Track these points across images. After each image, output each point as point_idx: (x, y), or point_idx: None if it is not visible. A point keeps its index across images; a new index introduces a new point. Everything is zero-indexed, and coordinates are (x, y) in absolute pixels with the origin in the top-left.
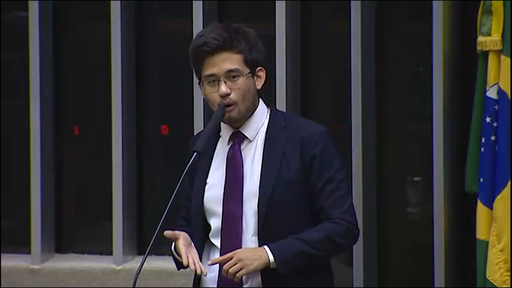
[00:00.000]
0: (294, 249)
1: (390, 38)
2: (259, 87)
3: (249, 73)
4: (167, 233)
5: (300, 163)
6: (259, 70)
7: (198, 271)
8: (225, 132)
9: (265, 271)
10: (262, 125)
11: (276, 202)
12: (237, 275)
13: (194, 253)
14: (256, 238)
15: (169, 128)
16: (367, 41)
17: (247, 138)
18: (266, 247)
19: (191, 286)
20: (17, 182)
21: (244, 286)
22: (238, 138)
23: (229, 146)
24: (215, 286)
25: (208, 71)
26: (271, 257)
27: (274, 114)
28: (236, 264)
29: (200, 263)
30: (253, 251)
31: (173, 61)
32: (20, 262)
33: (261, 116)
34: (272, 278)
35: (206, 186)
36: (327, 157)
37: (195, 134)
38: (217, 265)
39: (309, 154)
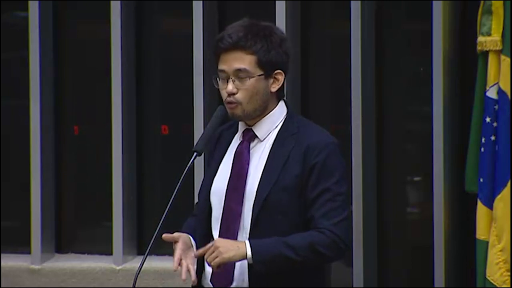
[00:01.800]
0: (273, 250)
1: (390, 38)
2: (273, 89)
3: (261, 74)
4: (165, 236)
5: (300, 170)
6: (277, 73)
7: (183, 277)
8: (240, 127)
9: (253, 271)
10: (276, 127)
11: (270, 205)
12: (212, 263)
13: (190, 258)
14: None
15: (169, 128)
16: (367, 41)
17: (258, 137)
18: (246, 241)
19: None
20: (17, 182)
21: (232, 286)
22: (248, 136)
23: (239, 142)
24: (209, 283)
25: (220, 66)
26: (249, 252)
27: (289, 118)
28: (213, 252)
29: (193, 269)
30: (232, 242)
31: (173, 61)
32: (20, 262)
33: (277, 118)
34: (261, 278)
35: (215, 177)
36: (328, 167)
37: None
38: None
39: (310, 162)
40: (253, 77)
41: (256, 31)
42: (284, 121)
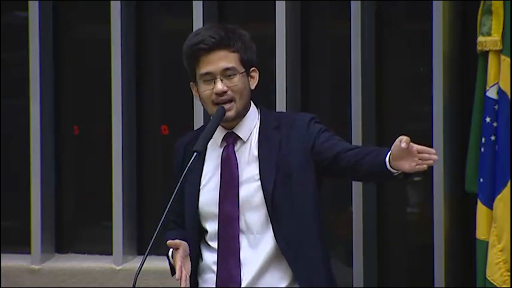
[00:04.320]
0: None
1: (390, 38)
2: (253, 87)
3: (244, 72)
4: (170, 242)
5: (301, 150)
6: (252, 70)
7: (183, 285)
8: (217, 134)
9: (292, 259)
10: (255, 125)
11: (280, 194)
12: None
13: (187, 266)
14: (260, 235)
15: (169, 128)
16: (367, 41)
17: (241, 138)
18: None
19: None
20: (17, 182)
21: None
22: (231, 139)
23: (222, 148)
24: (214, 286)
25: (204, 69)
26: None
27: (264, 114)
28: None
29: (187, 280)
30: None
31: (173, 61)
32: (20, 262)
33: (254, 117)
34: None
35: (201, 191)
36: (324, 130)
37: (180, 139)
38: (215, 267)
39: (310, 136)
40: (240, 73)
41: (231, 31)
42: (261, 117)
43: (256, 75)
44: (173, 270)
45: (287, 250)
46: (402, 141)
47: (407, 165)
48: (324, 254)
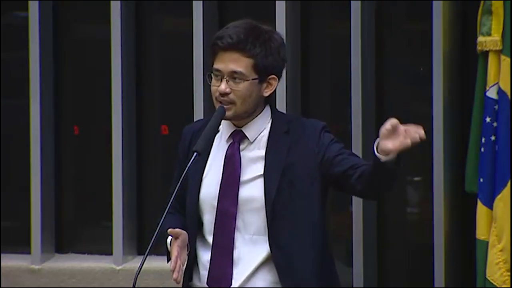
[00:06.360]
0: None
1: (390, 38)
2: (266, 94)
3: (255, 79)
4: (171, 230)
5: (309, 161)
6: (271, 78)
7: (174, 276)
8: (226, 129)
9: (282, 269)
10: (265, 128)
11: (282, 202)
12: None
13: (183, 256)
14: (258, 237)
15: (169, 128)
16: (367, 41)
17: (247, 138)
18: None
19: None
20: (17, 182)
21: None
22: (238, 137)
23: (228, 144)
24: (205, 285)
25: (216, 65)
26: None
27: (276, 118)
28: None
29: (181, 271)
30: None
31: (173, 61)
32: (20, 262)
33: (265, 120)
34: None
35: (202, 182)
36: (334, 141)
37: (190, 124)
38: (207, 264)
39: (320, 148)
40: (248, 80)
41: (257, 34)
42: (272, 122)
43: (274, 83)
44: (169, 257)
45: (280, 261)
46: (388, 123)
47: (391, 144)
48: (322, 269)
